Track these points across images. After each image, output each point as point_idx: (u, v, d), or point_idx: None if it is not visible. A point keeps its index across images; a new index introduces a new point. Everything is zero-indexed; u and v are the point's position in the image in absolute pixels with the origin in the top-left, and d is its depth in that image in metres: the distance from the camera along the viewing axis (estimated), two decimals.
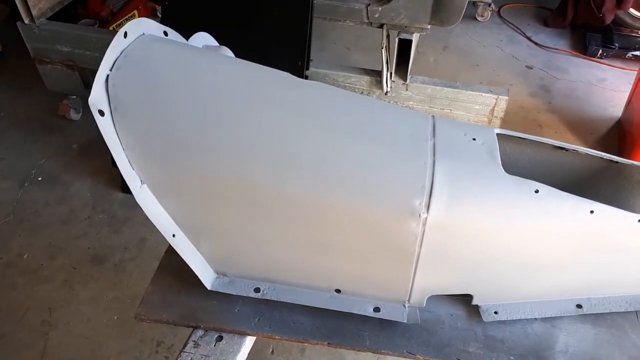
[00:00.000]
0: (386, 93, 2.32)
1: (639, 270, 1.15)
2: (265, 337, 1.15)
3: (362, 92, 2.37)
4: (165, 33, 1.18)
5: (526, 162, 1.23)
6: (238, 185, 1.03)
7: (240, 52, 2.06)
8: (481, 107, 2.25)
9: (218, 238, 1.13)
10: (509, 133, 1.16)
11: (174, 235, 1.09)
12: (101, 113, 0.99)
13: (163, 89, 1.05)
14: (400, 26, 2.14)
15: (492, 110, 2.24)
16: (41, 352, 1.88)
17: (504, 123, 2.93)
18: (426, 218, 0.99)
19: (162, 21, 2.23)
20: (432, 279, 1.11)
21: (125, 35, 1.05)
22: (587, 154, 1.18)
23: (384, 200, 1.00)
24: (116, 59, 1.03)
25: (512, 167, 1.18)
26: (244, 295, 1.16)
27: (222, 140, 1.02)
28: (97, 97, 0.99)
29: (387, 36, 2.20)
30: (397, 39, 2.17)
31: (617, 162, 1.18)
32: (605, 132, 2.96)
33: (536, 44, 3.59)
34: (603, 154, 1.18)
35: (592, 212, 1.02)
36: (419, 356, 1.10)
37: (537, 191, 1.01)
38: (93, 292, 2.07)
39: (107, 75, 1.01)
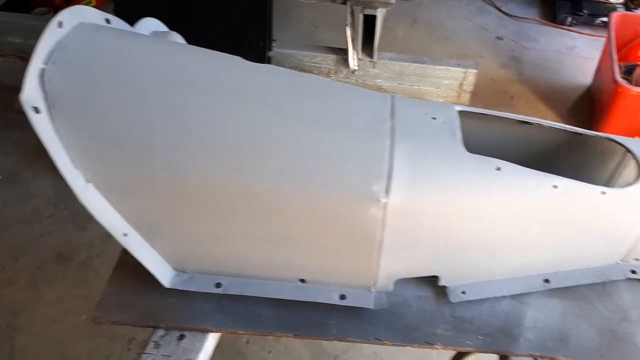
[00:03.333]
0: (353, 72, 2.27)
1: (604, 241, 1.14)
2: (229, 333, 1.11)
3: (328, 72, 2.31)
4: (108, 21, 1.10)
5: (491, 138, 1.20)
6: (189, 180, 0.98)
7: (199, 35, 1.98)
8: (450, 81, 2.22)
9: (173, 235, 1.08)
10: (471, 110, 1.13)
11: (125, 235, 1.04)
12: (36, 110, 0.92)
13: (105, 82, 0.98)
14: (364, 2, 2.08)
15: (461, 84, 2.21)
16: (8, 357, 1.82)
17: (476, 96, 2.90)
18: (386, 203, 0.95)
19: (115, 6, 2.13)
20: (397, 263, 1.08)
21: (61, 25, 0.98)
22: (551, 127, 1.15)
23: (342, 187, 0.96)
24: (52, 52, 0.96)
25: (477, 145, 1.14)
26: (205, 291, 1.12)
27: (170, 134, 0.97)
28: (30, 94, 0.91)
29: (351, 13, 2.13)
30: (361, 16, 2.10)
31: (581, 134, 1.16)
32: (576, 101, 2.96)
33: (506, 14, 3.55)
34: (567, 126, 1.16)
35: (555, 186, 0.99)
36: (386, 342, 1.08)
37: (498, 168, 0.98)
38: (59, 291, 2.01)
39: (43, 70, 0.94)
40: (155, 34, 1.23)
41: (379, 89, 2.31)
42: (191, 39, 1.68)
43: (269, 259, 1.10)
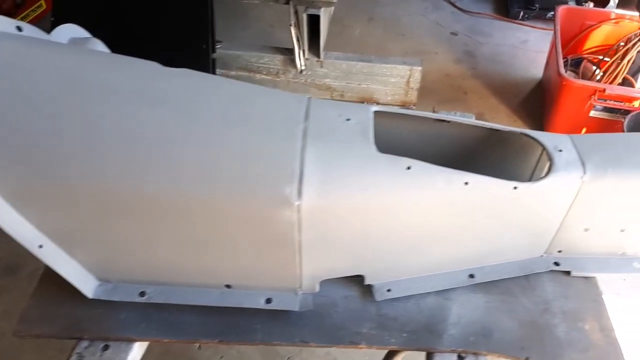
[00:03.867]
0: (301, 71, 2.27)
1: (525, 235, 1.16)
2: (154, 342, 1.10)
3: (277, 72, 2.30)
4: (19, 28, 1.08)
5: (412, 137, 1.21)
6: (99, 189, 0.97)
7: (139, 39, 1.96)
8: (397, 79, 2.23)
9: (92, 244, 1.07)
10: (389, 110, 1.14)
11: (40, 246, 1.02)
12: None
13: (8, 90, 0.96)
14: (307, 1, 2.08)
15: (408, 81, 2.22)
16: None
17: (430, 92, 2.93)
18: (299, 205, 0.95)
19: (53, 11, 2.09)
20: (319, 263, 1.08)
21: None
22: (468, 124, 1.17)
23: (255, 190, 0.96)
24: None
25: (398, 144, 1.15)
26: (129, 300, 1.11)
27: (79, 142, 0.95)
28: None
29: (295, 13, 2.13)
30: (305, 15, 2.10)
31: (498, 130, 1.18)
32: (528, 94, 3.01)
33: (460, 9, 3.59)
34: (485, 123, 1.18)
35: (466, 183, 1.01)
36: (312, 343, 1.09)
37: (409, 167, 0.99)
38: (6, 305, 1.97)
39: None
40: (74, 40, 1.21)
41: (328, 88, 2.32)
42: (132, 44, 1.66)
43: (192, 265, 1.09)
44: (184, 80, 1.07)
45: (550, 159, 1.07)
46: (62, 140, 0.95)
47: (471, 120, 1.17)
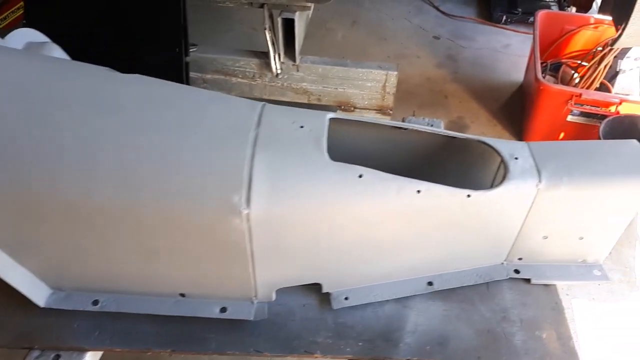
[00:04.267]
0: (277, 75, 2.26)
1: (483, 243, 1.16)
2: (107, 351, 1.09)
3: (253, 76, 2.29)
4: None
5: (372, 145, 1.20)
6: (47, 197, 0.95)
7: (112, 43, 1.94)
8: (373, 84, 2.22)
9: (42, 253, 1.05)
10: (346, 117, 1.13)
11: None
12: None
13: None
14: (281, 5, 2.07)
15: (384, 86, 2.22)
16: None
17: (411, 96, 2.93)
18: (248, 214, 0.94)
19: (26, 17, 2.07)
20: (272, 272, 1.07)
21: None
22: (427, 132, 1.16)
23: (203, 198, 0.95)
24: None
25: (357, 152, 1.15)
26: (81, 309, 1.10)
27: (22, 150, 0.94)
28: None
29: (270, 16, 2.12)
30: (280, 19, 2.09)
31: (456, 138, 1.17)
32: (509, 98, 3.00)
33: (444, 13, 3.59)
34: (442, 131, 1.17)
35: (419, 191, 1.00)
36: (266, 353, 1.08)
37: (361, 176, 0.98)
38: None
39: None
40: (30, 45, 1.20)
41: (305, 92, 2.31)
42: (100, 48, 1.64)
43: (145, 274, 1.08)
44: (136, 86, 1.06)
45: (506, 167, 1.06)
46: (7, 147, 0.94)
47: (429, 127, 1.17)
